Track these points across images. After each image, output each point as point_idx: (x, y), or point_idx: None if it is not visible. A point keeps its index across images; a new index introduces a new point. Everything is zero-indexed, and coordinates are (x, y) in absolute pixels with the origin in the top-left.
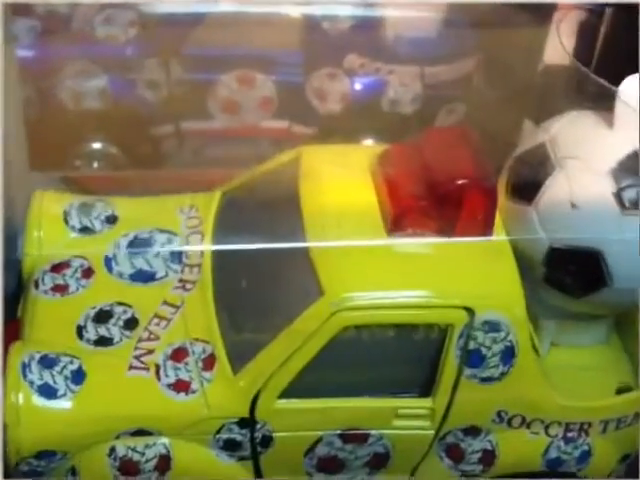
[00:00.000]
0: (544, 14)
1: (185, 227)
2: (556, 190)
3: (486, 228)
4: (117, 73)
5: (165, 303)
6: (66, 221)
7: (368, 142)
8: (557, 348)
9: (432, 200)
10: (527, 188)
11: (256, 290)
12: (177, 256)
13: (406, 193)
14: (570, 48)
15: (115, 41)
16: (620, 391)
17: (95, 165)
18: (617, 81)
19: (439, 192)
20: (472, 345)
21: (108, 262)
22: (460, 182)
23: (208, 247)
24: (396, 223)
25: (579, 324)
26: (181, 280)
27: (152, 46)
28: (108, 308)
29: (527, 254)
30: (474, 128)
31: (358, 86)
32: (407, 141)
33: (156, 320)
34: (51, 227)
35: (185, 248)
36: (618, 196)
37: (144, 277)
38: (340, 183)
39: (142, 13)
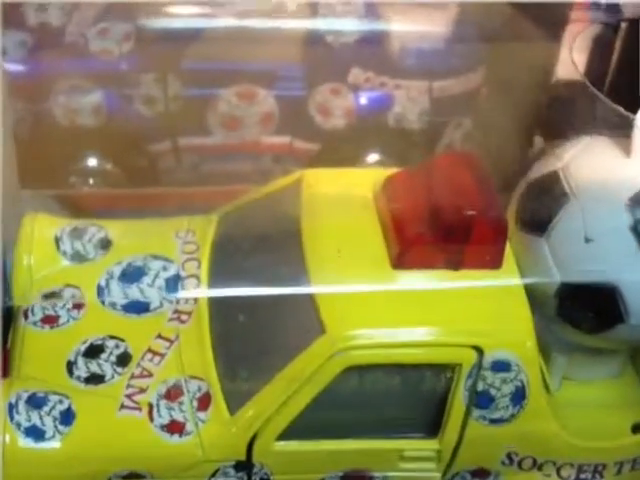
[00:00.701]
0: (556, 27)
1: (181, 253)
2: (569, 222)
3: (495, 261)
4: (112, 88)
5: (159, 337)
6: (58, 246)
7: (373, 157)
8: (569, 382)
9: (439, 232)
10: (539, 219)
11: (255, 325)
12: (172, 285)
13: (412, 225)
14: (584, 63)
15: (110, 55)
16: (636, 428)
17: (90, 182)
18: (633, 98)
19: (446, 224)
20: (481, 386)
21: (100, 292)
22: (468, 214)
23: (203, 292)
24: (401, 258)
25: (592, 358)
26: (176, 311)
27: (148, 60)
28: (100, 342)
29: (538, 288)
30: (482, 142)
31: (363, 101)
32: (412, 168)
33: (149, 355)
34: (42, 253)
35: (179, 295)
36: (635, 230)
37: (138, 308)
38: (343, 213)
39: (138, 26)
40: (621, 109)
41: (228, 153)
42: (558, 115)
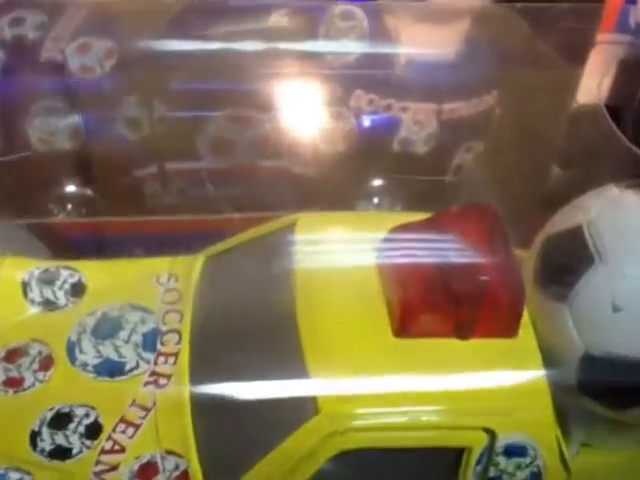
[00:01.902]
0: (579, 49)
1: (162, 302)
2: (595, 287)
3: (510, 329)
4: (92, 110)
5: (134, 404)
6: (25, 293)
7: (377, 182)
8: (588, 449)
9: (447, 297)
10: (560, 281)
11: (241, 397)
12: (150, 342)
13: (416, 288)
14: (609, 88)
15: (90, 74)
16: None
17: (68, 209)
18: None
19: (456, 288)
20: (492, 472)
21: (71, 348)
22: (481, 278)
23: (183, 353)
24: (404, 325)
25: (615, 427)
26: (154, 373)
27: (132, 80)
28: (68, 410)
29: (558, 358)
30: (494, 168)
31: (366, 125)
32: (419, 220)
33: (122, 426)
34: (7, 301)
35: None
36: None
37: (111, 369)
38: (341, 271)
39: (122, 42)
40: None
41: (219, 178)
42: (578, 144)
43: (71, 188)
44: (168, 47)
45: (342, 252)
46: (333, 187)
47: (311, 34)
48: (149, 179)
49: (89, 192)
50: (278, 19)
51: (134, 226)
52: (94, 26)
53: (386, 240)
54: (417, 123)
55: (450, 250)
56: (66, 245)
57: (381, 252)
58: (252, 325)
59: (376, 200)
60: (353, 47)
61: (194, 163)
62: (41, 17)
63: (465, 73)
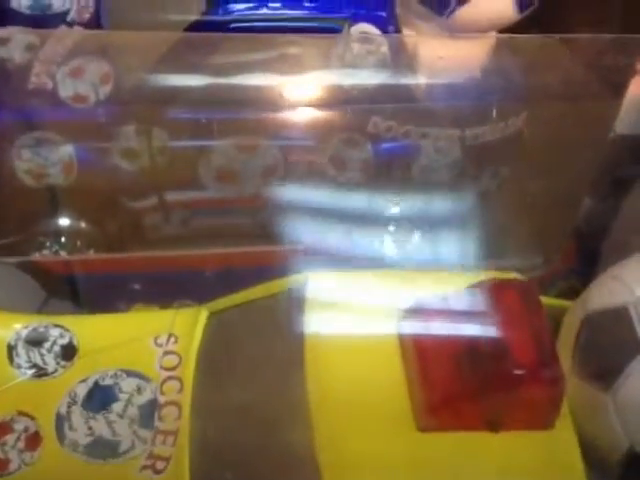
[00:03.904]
0: (619, 76)
1: (160, 368)
2: None
3: (546, 421)
4: (85, 141)
5: None
6: (10, 358)
7: (395, 210)
8: None
9: (477, 384)
10: (602, 368)
11: None
12: (147, 417)
13: (443, 373)
14: None
15: (84, 102)
16: None
17: (62, 241)
18: None
19: (486, 375)
20: None
21: (60, 424)
22: (515, 366)
23: (184, 429)
24: (429, 417)
25: None
26: (151, 455)
27: (130, 108)
28: None
29: (599, 453)
30: (521, 195)
31: (383, 153)
32: (445, 293)
33: None
34: None
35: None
36: None
37: (104, 451)
38: (356, 343)
39: (118, 66)
40: None
41: (223, 208)
42: (612, 175)
43: (64, 222)
44: (169, 73)
45: (358, 321)
46: (347, 216)
47: (325, 58)
48: (149, 210)
49: (83, 225)
50: (290, 42)
51: (131, 263)
52: (88, 46)
53: (409, 312)
54: (438, 150)
55: (481, 327)
56: (60, 283)
57: (403, 325)
58: (258, 404)
59: (392, 228)
60: (370, 73)
61: (197, 193)
62: (29, 36)
63: (491, 95)
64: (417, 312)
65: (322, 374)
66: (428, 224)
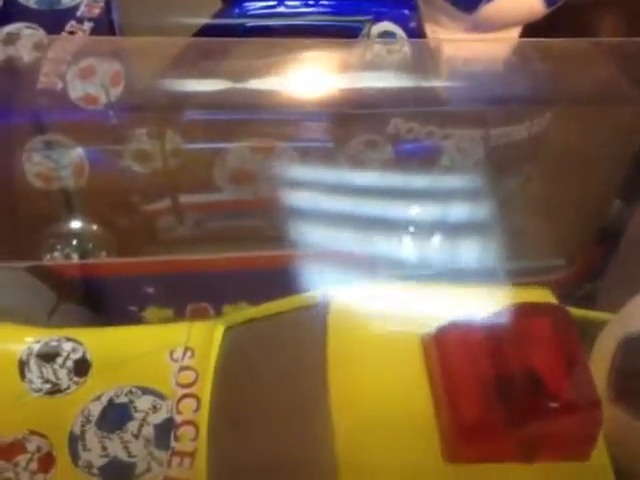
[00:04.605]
0: None
1: (176, 384)
2: None
3: (583, 452)
4: (97, 143)
5: None
6: (22, 374)
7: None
8: None
9: (509, 414)
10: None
11: None
12: (163, 437)
13: (474, 400)
14: None
15: (94, 104)
16: None
17: (74, 244)
18: None
19: (519, 405)
20: None
21: (74, 444)
22: (550, 396)
23: (201, 450)
24: (458, 449)
25: None
26: (167, 479)
27: (142, 110)
28: None
29: None
30: (545, 193)
31: (404, 154)
32: (475, 318)
33: None
34: (2, 383)
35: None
36: None
37: (120, 473)
38: (381, 367)
39: (129, 66)
40: None
41: (237, 210)
42: None
43: (76, 224)
44: (182, 76)
45: (383, 341)
46: (365, 219)
47: (345, 58)
48: (162, 213)
49: (95, 227)
50: (307, 46)
51: (144, 266)
52: (98, 45)
53: (437, 334)
54: (461, 151)
55: (512, 355)
56: (71, 286)
57: (431, 350)
58: (279, 425)
59: (412, 229)
60: (391, 73)
61: (211, 195)
62: (39, 32)
63: (516, 96)
64: (446, 336)
65: (345, 396)
66: (449, 225)
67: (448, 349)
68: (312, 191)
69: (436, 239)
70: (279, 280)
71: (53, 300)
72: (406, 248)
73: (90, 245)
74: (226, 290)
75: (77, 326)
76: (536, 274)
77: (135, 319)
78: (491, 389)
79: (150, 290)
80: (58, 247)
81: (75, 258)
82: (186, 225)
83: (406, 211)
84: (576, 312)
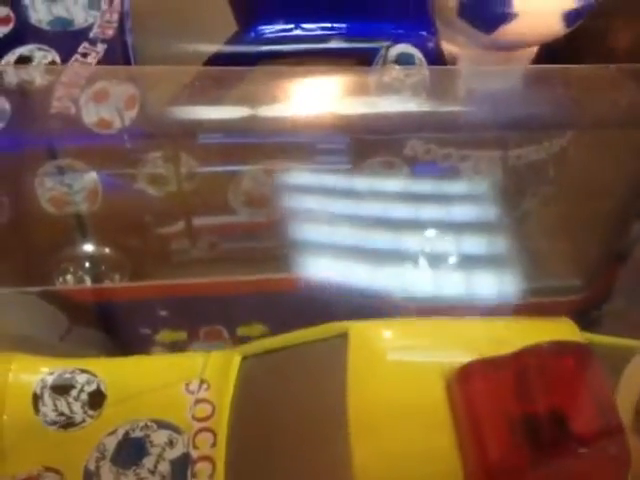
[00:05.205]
0: None
1: (192, 418)
2: None
3: None
4: (110, 168)
5: None
6: (36, 408)
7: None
8: None
9: (535, 455)
10: None
11: None
12: (180, 473)
13: (499, 443)
14: None
15: (108, 127)
16: None
17: (87, 266)
18: None
19: (546, 446)
20: None
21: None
22: (579, 448)
23: None
24: None
25: None
26: None
27: (157, 134)
28: None
29: None
30: (563, 214)
31: (420, 175)
32: (501, 357)
33: None
34: (15, 417)
35: None
36: None
37: None
38: (403, 406)
39: (145, 89)
40: None
41: (251, 232)
42: None
43: (88, 247)
44: (195, 102)
45: (405, 379)
46: (381, 241)
47: (362, 81)
48: (176, 235)
49: (107, 250)
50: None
51: (157, 290)
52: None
53: (461, 374)
54: (478, 172)
55: (538, 395)
56: (84, 310)
57: (454, 387)
58: (298, 465)
59: (428, 251)
60: (409, 97)
61: (226, 217)
62: (51, 53)
63: (536, 117)
64: (470, 373)
65: (365, 433)
66: (467, 247)
67: (472, 387)
68: (327, 214)
69: (452, 261)
70: (293, 303)
71: (65, 324)
72: (421, 272)
73: (103, 267)
74: (240, 312)
75: (90, 353)
76: (554, 295)
77: (148, 342)
78: (516, 429)
79: (163, 313)
80: (71, 270)
81: (88, 281)
82: (200, 247)
83: (422, 233)
84: (604, 339)
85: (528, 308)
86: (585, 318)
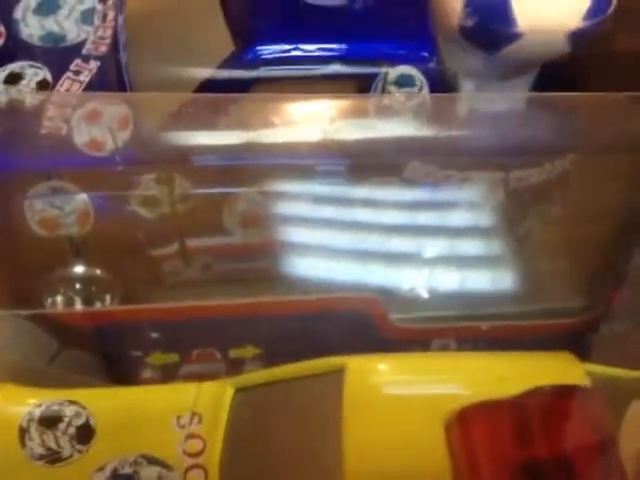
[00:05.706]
0: None
1: (183, 454)
2: None
3: None
4: (103, 190)
5: None
6: (22, 442)
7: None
8: None
9: None
10: None
11: None
12: None
13: None
14: None
15: (100, 149)
16: None
17: (77, 287)
18: None
19: None
20: None
21: None
22: None
23: None
24: None
25: None
26: None
27: (150, 156)
28: None
29: None
30: (565, 238)
31: (420, 197)
32: (502, 400)
33: None
34: (1, 452)
35: None
36: None
37: None
38: (400, 447)
39: (138, 109)
40: None
41: (246, 253)
42: None
43: (79, 268)
44: (189, 127)
45: (402, 419)
46: (380, 262)
47: (361, 105)
48: (169, 257)
49: (98, 272)
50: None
51: (148, 312)
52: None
53: (460, 416)
54: (479, 194)
55: (541, 437)
56: (73, 333)
57: (453, 429)
58: None
59: (429, 271)
60: (408, 119)
61: (220, 238)
62: (43, 71)
63: (537, 135)
64: (470, 415)
65: (361, 473)
66: (468, 267)
67: (472, 429)
68: (323, 234)
69: (454, 281)
70: (286, 325)
71: (54, 347)
72: (422, 290)
73: (93, 289)
74: (232, 334)
75: (80, 376)
76: (556, 316)
77: (139, 364)
78: (518, 474)
79: (155, 335)
80: (61, 291)
81: (78, 302)
82: (194, 268)
83: (422, 253)
84: (606, 371)
85: (528, 329)
86: (583, 340)
